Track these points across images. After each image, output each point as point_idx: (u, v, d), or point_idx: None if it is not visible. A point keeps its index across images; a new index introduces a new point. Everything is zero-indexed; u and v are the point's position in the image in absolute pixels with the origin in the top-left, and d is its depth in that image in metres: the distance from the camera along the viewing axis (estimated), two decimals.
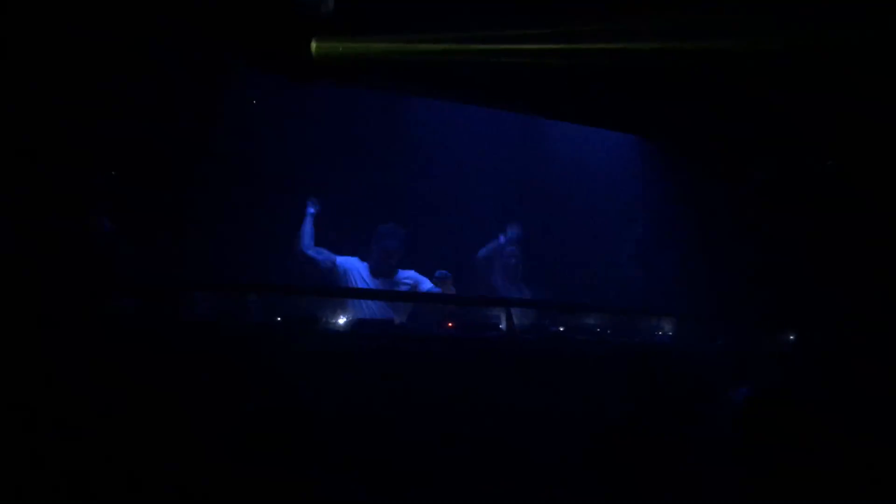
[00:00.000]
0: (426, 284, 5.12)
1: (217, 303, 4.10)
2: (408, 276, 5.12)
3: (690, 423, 4.34)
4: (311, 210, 5.18)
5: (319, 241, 5.18)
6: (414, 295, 5.06)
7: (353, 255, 5.14)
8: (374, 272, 5.05)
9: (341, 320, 4.13)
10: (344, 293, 4.65)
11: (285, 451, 3.34)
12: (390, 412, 3.66)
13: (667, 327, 5.04)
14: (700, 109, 5.39)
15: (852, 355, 4.90)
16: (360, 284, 5.03)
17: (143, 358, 3.25)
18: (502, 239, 5.57)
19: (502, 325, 4.43)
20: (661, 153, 6.26)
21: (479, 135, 6.00)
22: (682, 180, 6.16)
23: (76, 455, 2.95)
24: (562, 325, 4.77)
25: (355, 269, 5.06)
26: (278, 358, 3.58)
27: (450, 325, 4.45)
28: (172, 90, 4.39)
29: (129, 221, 4.44)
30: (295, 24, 3.23)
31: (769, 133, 5.54)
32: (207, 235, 4.85)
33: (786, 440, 4.45)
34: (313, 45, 3.17)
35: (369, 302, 4.84)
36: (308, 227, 5.16)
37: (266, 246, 5.05)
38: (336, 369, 3.63)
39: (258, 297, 4.10)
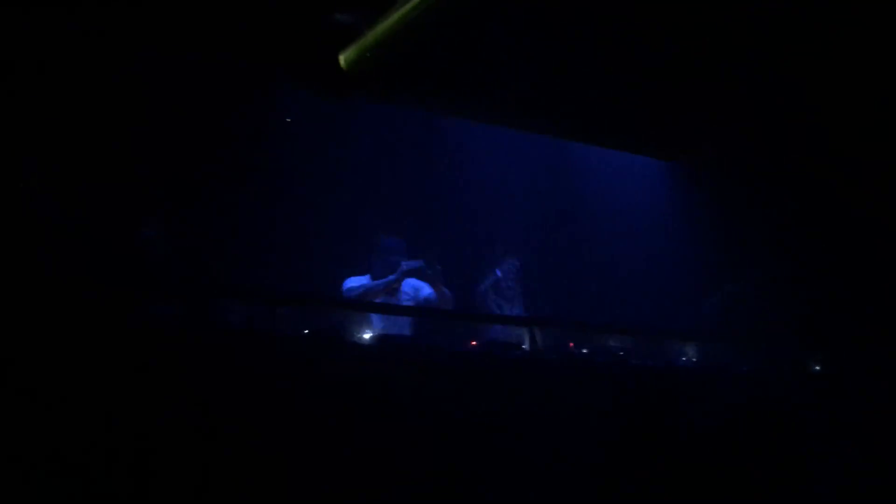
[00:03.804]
0: (426, 290, 5.07)
1: (249, 312, 4.13)
2: (408, 284, 5.08)
3: (714, 445, 4.32)
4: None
5: (345, 259, 5.18)
6: (445, 313, 5.03)
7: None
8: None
9: (366, 335, 4.15)
10: (367, 307, 4.65)
11: (307, 463, 3.36)
12: (411, 428, 3.67)
13: (691, 351, 5.00)
14: (729, 132, 5.39)
15: (882, 379, 4.85)
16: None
17: (174, 365, 3.29)
18: (499, 273, 5.52)
19: (525, 345, 4.43)
20: (687, 174, 6.26)
21: (506, 154, 6.02)
22: (710, 203, 6.15)
23: (108, 460, 2.98)
24: (585, 347, 4.76)
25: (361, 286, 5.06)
26: (304, 370, 3.61)
27: (473, 343, 4.45)
28: (213, 106, 4.48)
29: (170, 230, 4.52)
30: (324, 37, 3.26)
31: (800, 155, 5.52)
32: (242, 245, 4.92)
33: (811, 463, 4.42)
34: (342, 56, 3.20)
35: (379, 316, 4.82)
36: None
37: (295, 256, 5.09)
38: (359, 385, 3.65)
39: (287, 308, 4.13)
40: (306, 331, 3.88)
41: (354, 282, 5.06)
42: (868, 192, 5.72)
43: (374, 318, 4.64)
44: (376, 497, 3.49)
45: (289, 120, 5.16)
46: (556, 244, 6.10)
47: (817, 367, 5.10)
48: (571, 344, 4.70)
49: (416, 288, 5.10)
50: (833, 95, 4.90)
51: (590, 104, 4.97)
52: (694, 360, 4.96)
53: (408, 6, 3.25)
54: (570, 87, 4.56)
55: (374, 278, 5.05)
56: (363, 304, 4.67)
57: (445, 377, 3.93)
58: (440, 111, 5.16)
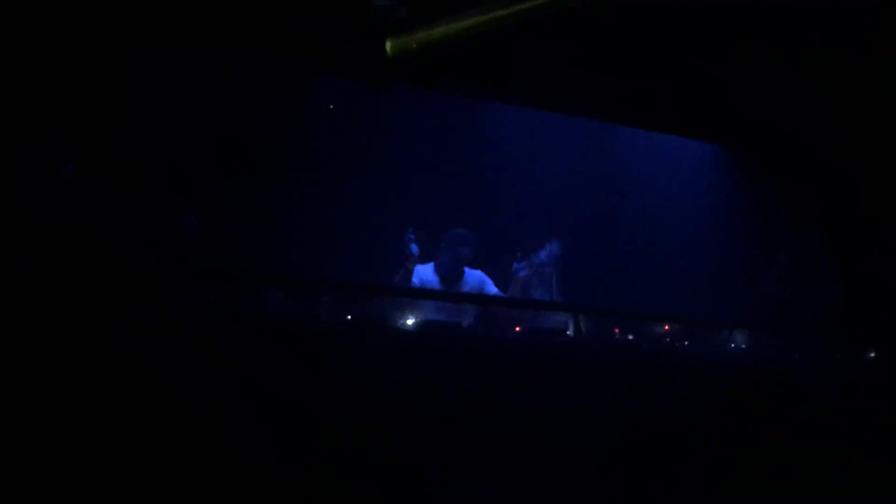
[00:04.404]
0: (492, 287, 5.08)
1: (290, 299, 4.16)
2: (474, 276, 5.07)
3: (763, 436, 4.25)
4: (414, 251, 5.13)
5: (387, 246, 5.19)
6: (484, 298, 5.03)
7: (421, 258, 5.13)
8: (444, 277, 5.04)
9: (409, 321, 4.16)
10: (411, 293, 4.66)
11: (347, 450, 3.39)
12: (454, 413, 3.68)
13: (739, 339, 4.92)
14: (782, 118, 5.26)
15: None
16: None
17: (215, 350, 3.33)
18: (542, 256, 5.46)
19: (570, 332, 4.40)
20: (737, 162, 6.14)
21: (553, 139, 5.97)
22: (761, 191, 6.02)
23: (148, 444, 3.03)
24: (631, 334, 4.71)
25: (426, 277, 5.05)
26: (347, 357, 3.63)
27: (517, 329, 4.44)
28: (252, 93, 4.51)
29: (210, 217, 4.58)
30: (368, 25, 3.24)
31: (854, 144, 5.37)
32: (284, 233, 4.96)
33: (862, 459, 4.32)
34: (388, 44, 3.18)
35: (438, 304, 4.83)
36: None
37: (339, 244, 5.12)
38: (402, 371, 3.66)
39: (329, 295, 4.15)
40: (349, 317, 3.91)
41: (423, 274, 5.05)
42: None
43: (421, 304, 4.66)
44: (422, 483, 3.51)
45: (332, 107, 5.17)
46: (601, 230, 6.03)
47: (871, 356, 4.98)
48: (617, 330, 4.66)
49: (483, 282, 5.10)
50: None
51: (639, 86, 4.88)
52: (743, 347, 4.88)
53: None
54: (622, 68, 4.47)
55: (438, 269, 5.04)
56: (403, 290, 4.67)
57: (489, 364, 3.92)
58: (485, 96, 5.11)
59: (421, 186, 5.53)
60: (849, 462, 4.32)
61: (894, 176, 5.54)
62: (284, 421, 3.31)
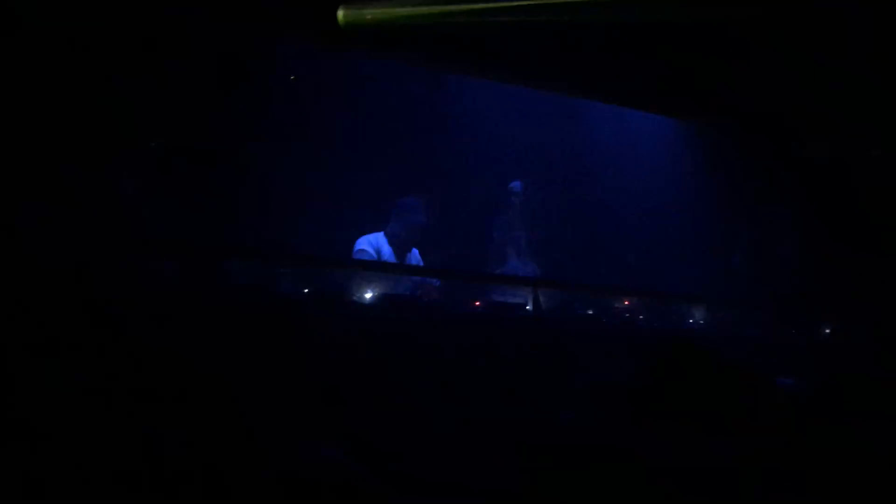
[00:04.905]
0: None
1: (249, 270, 4.11)
2: (414, 257, 5.05)
3: (719, 411, 4.28)
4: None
5: (347, 218, 5.14)
6: (443, 272, 5.00)
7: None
8: (397, 247, 4.99)
9: (367, 295, 4.12)
10: (369, 266, 4.61)
11: (304, 422, 3.35)
12: (413, 391, 3.66)
13: (698, 314, 4.95)
14: (746, 93, 5.27)
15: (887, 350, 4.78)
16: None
17: (171, 322, 3.27)
18: (524, 232, 5.45)
19: (529, 307, 4.39)
20: (703, 137, 6.15)
21: (519, 112, 5.92)
22: (724, 166, 6.04)
23: (101, 420, 2.98)
24: (591, 309, 4.71)
25: (381, 246, 5.01)
26: (304, 330, 3.59)
27: (476, 303, 4.42)
28: (207, 61, 4.40)
29: (165, 186, 4.49)
30: None
31: (819, 119, 5.39)
32: (242, 203, 4.88)
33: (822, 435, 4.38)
34: (340, 12, 3.11)
35: (396, 277, 4.78)
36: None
37: (298, 215, 5.06)
38: (360, 345, 3.63)
39: (287, 268, 4.11)
40: (306, 290, 3.86)
41: (365, 243, 5.02)
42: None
43: (381, 278, 4.61)
44: (378, 460, 3.49)
45: (293, 78, 5.08)
46: (568, 205, 6.02)
47: (826, 333, 5.05)
48: (577, 305, 4.66)
49: (417, 258, 5.08)
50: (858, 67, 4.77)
51: (605, 61, 4.85)
52: (701, 322, 4.91)
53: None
54: (587, 44, 4.43)
55: (389, 237, 4.99)
56: (363, 263, 4.63)
57: (448, 337, 3.90)
58: (445, 68, 5.03)
59: (382, 157, 5.47)
60: (808, 439, 4.37)
61: (861, 154, 5.60)
62: (238, 395, 3.27)
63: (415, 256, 5.07)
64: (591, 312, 4.66)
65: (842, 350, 5.01)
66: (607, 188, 6.12)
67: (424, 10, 3.12)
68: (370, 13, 3.13)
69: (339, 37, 3.18)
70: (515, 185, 5.61)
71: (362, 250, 4.97)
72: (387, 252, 5.00)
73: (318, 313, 3.75)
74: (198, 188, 4.66)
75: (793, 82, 5.07)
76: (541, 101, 5.89)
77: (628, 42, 4.68)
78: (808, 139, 5.62)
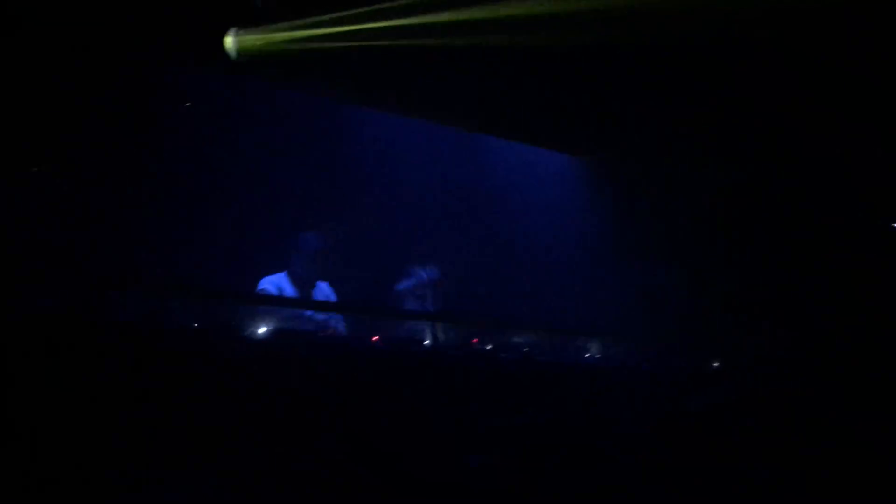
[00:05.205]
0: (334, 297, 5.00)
1: (140, 304, 3.95)
2: (323, 285, 4.98)
3: (615, 443, 4.34)
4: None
5: (240, 251, 5.02)
6: (341, 306, 4.95)
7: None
8: (300, 285, 4.90)
9: (262, 330, 4.01)
10: (268, 301, 4.51)
11: (189, 461, 3.22)
12: (311, 424, 3.57)
13: (595, 348, 5.03)
14: (637, 129, 5.43)
15: (776, 380, 4.97)
16: None
17: (56, 359, 3.11)
18: (423, 277, 5.45)
19: (428, 342, 4.36)
20: (594, 171, 6.30)
21: (421, 145, 5.94)
22: (620, 200, 6.20)
23: None
24: (490, 344, 4.72)
25: (282, 284, 4.91)
26: (193, 365, 3.46)
27: (374, 339, 4.36)
28: (94, 87, 4.24)
29: (51, 213, 4.29)
30: (217, 16, 3.07)
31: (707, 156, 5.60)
32: (135, 235, 4.71)
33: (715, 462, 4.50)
34: (228, 39, 3.02)
35: (295, 312, 4.71)
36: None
37: (191, 246, 4.90)
38: (252, 380, 3.52)
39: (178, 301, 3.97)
40: (196, 324, 3.72)
41: (267, 283, 4.89)
42: (771, 196, 5.87)
43: (277, 313, 4.50)
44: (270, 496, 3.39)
45: (188, 104, 4.95)
46: (469, 240, 6.05)
47: (714, 365, 5.20)
48: (475, 340, 4.65)
49: (328, 296, 4.98)
50: (739, 91, 4.97)
51: (501, 98, 4.92)
52: (597, 356, 4.99)
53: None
54: (480, 79, 4.47)
55: (292, 277, 4.90)
56: (259, 297, 4.52)
57: (346, 372, 3.83)
58: (342, 99, 5.00)
59: (281, 190, 5.37)
60: (704, 462, 4.48)
61: (741, 195, 5.83)
62: (113, 431, 3.12)
63: (323, 291, 4.98)
64: (489, 348, 4.67)
65: (729, 379, 5.17)
66: (507, 223, 6.18)
67: (319, 32, 3.06)
68: (260, 39, 3.04)
69: (229, 64, 3.09)
70: (416, 219, 5.62)
71: (263, 290, 4.87)
72: (289, 291, 4.90)
73: (208, 349, 3.62)
74: (87, 216, 4.47)
75: (683, 116, 5.24)
76: (445, 134, 5.93)
77: (525, 77, 4.76)
78: (698, 172, 5.83)
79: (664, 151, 5.46)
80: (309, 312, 4.81)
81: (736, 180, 5.73)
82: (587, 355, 5.00)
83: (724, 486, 4.44)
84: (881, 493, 4.39)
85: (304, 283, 4.90)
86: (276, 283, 4.88)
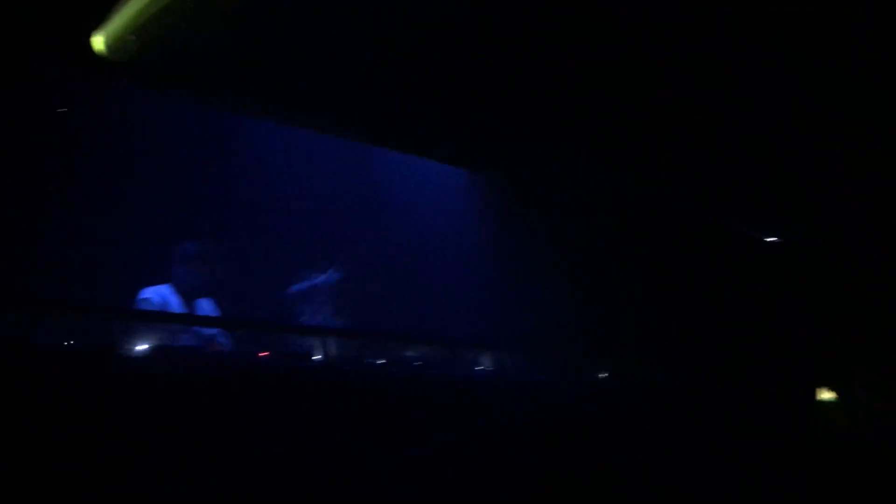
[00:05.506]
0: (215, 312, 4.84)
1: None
2: (205, 300, 4.82)
3: (506, 454, 4.35)
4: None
5: (117, 261, 4.79)
6: (231, 322, 4.79)
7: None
8: (186, 298, 4.71)
9: (144, 347, 3.82)
10: (148, 316, 4.30)
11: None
12: (196, 444, 3.42)
13: (487, 361, 5.04)
14: (533, 148, 5.49)
15: (659, 391, 5.10)
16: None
17: None
18: (320, 280, 5.37)
19: (319, 356, 4.26)
20: (489, 186, 6.34)
21: (316, 158, 5.83)
22: (507, 213, 6.25)
23: None
24: (383, 358, 4.66)
25: (167, 296, 4.70)
26: (67, 386, 3.25)
27: (264, 354, 4.23)
28: None
29: None
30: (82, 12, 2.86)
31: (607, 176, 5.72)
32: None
33: (597, 468, 4.57)
34: (98, 38, 2.82)
35: (181, 327, 4.51)
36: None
37: (66, 260, 4.64)
38: (131, 402, 3.34)
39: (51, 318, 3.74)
40: (70, 342, 3.51)
41: (151, 292, 4.68)
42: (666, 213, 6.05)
43: (161, 329, 4.30)
44: None
45: (64, 110, 4.69)
46: (360, 253, 5.97)
47: (604, 379, 5.31)
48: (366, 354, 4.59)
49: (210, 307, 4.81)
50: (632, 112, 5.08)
51: (393, 109, 4.86)
52: (490, 369, 5.00)
53: None
54: (371, 90, 4.40)
55: (177, 286, 4.71)
56: (138, 312, 4.31)
57: (232, 389, 3.69)
58: (228, 108, 4.84)
59: (167, 199, 5.16)
60: (596, 474, 4.55)
61: (633, 211, 5.98)
62: None
63: (206, 306, 4.80)
64: (382, 362, 4.61)
65: (617, 392, 5.28)
66: (401, 237, 6.14)
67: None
68: (135, 39, 2.85)
69: (102, 66, 2.90)
70: (307, 230, 5.51)
71: (146, 299, 4.65)
72: (175, 303, 4.70)
73: (82, 369, 3.41)
74: None
75: (577, 131, 5.32)
76: (339, 147, 5.84)
77: (419, 88, 4.72)
78: (592, 188, 5.94)
79: (558, 168, 5.53)
80: (195, 328, 4.62)
81: (628, 197, 5.88)
82: (479, 368, 5.01)
83: (614, 495, 4.53)
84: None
85: (188, 291, 4.70)
86: (159, 293, 4.68)
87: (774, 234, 6.54)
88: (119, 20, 2.81)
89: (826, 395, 6.04)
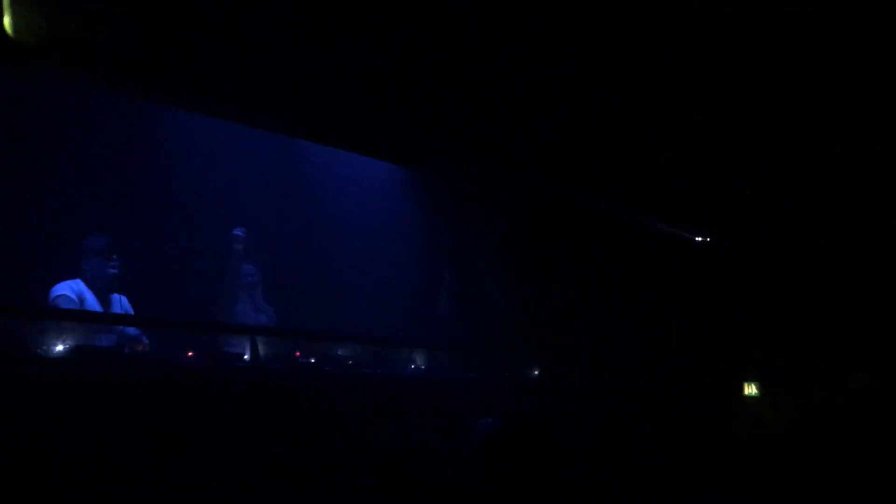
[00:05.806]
0: (130, 308, 4.63)
1: None
2: (121, 304, 4.59)
3: (441, 456, 4.31)
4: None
5: (38, 256, 4.54)
6: (152, 320, 4.58)
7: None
8: (100, 294, 4.49)
9: (59, 348, 3.63)
10: (65, 315, 4.08)
11: None
12: (120, 449, 3.27)
13: (420, 359, 4.99)
14: (457, 141, 5.45)
15: (593, 389, 5.15)
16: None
17: None
18: (245, 274, 5.22)
19: (247, 356, 4.14)
20: (423, 184, 6.29)
21: (246, 152, 5.65)
22: (444, 213, 6.22)
23: None
24: (313, 357, 4.56)
25: (82, 291, 4.46)
26: None
27: (189, 354, 4.08)
28: None
29: None
30: None
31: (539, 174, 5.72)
32: None
33: (530, 469, 4.57)
34: (6, 20, 2.62)
35: (97, 327, 4.28)
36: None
37: None
38: (52, 402, 3.19)
39: None
40: None
41: (66, 288, 4.43)
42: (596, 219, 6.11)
43: (80, 329, 4.08)
44: None
45: None
46: (293, 248, 5.84)
47: (536, 375, 5.33)
48: (298, 353, 4.48)
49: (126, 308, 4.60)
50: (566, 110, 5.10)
51: (323, 103, 4.74)
52: (422, 368, 4.96)
53: None
54: (299, 81, 4.27)
55: (86, 281, 4.46)
56: (54, 311, 4.10)
57: (158, 391, 3.55)
58: (148, 97, 4.60)
59: (76, 190, 4.89)
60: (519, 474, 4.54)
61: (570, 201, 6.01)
62: None
63: (122, 304, 4.58)
64: (313, 361, 4.51)
65: (546, 390, 5.30)
66: (333, 234, 6.03)
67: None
68: (46, 23, 2.65)
69: (11, 51, 2.69)
70: (238, 230, 5.36)
71: (63, 296, 4.39)
72: (90, 299, 4.46)
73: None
74: None
75: (503, 130, 5.31)
76: (269, 142, 5.68)
77: (349, 81, 4.63)
78: (519, 188, 5.94)
79: (489, 167, 5.51)
80: (119, 327, 4.41)
81: (555, 199, 5.91)
82: (412, 367, 4.96)
83: (551, 494, 4.53)
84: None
85: (101, 285, 4.47)
86: (73, 288, 4.43)
87: (702, 234, 6.68)
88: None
89: (750, 390, 6.20)
